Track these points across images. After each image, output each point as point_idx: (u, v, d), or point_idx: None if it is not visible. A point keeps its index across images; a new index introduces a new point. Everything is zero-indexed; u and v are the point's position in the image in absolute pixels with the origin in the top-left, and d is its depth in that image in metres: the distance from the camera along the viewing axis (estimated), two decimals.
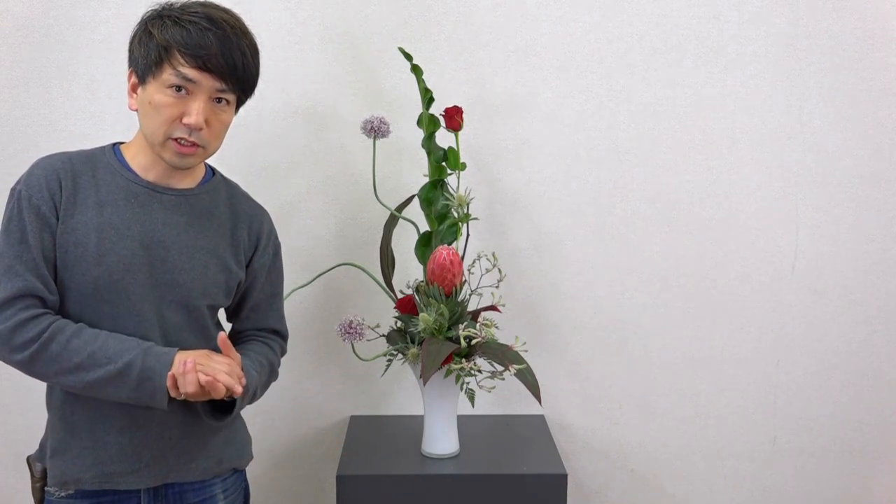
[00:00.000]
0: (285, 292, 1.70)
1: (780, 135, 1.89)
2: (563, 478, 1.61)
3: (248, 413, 1.58)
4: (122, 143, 1.39)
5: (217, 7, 1.33)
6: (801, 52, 1.86)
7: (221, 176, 1.47)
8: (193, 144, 1.31)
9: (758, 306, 1.94)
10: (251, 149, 1.82)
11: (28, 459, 1.40)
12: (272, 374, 1.50)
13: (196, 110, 1.29)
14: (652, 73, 1.86)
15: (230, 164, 1.67)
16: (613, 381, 1.95)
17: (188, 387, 1.25)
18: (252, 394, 1.40)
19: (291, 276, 1.81)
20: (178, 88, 1.28)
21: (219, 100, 1.32)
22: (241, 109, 1.41)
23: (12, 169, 1.33)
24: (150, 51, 1.28)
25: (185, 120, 1.29)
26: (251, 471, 1.59)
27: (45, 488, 1.36)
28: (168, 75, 1.27)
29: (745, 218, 1.91)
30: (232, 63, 1.30)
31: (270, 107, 1.80)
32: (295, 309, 1.84)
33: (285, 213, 1.86)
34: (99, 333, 1.27)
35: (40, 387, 1.38)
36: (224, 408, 1.39)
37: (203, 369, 1.26)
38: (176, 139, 1.30)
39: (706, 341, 1.95)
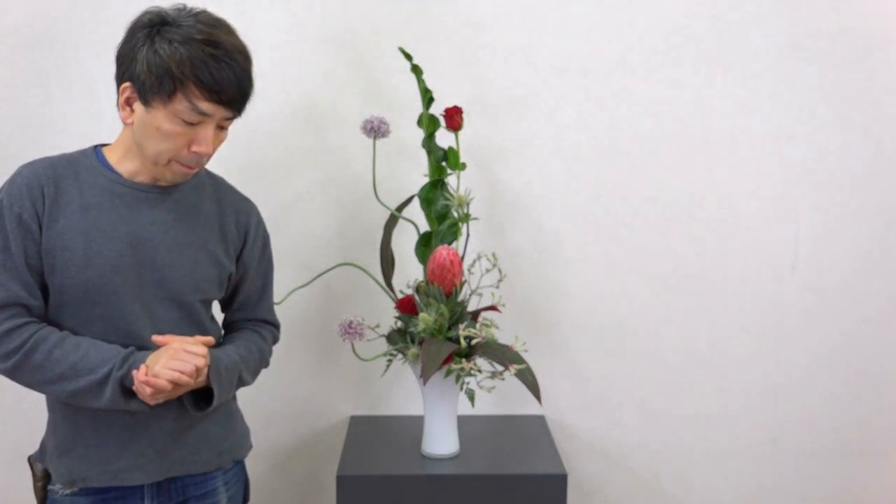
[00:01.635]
0: (285, 292, 1.71)
1: (780, 135, 1.89)
2: (563, 478, 1.61)
3: (248, 413, 1.58)
4: (103, 144, 1.37)
5: (220, 23, 1.29)
6: (801, 52, 1.86)
7: (205, 170, 1.47)
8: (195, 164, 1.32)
9: (758, 306, 1.94)
10: (251, 149, 1.82)
11: (29, 459, 1.41)
12: (262, 361, 1.50)
13: (207, 140, 1.29)
14: (652, 73, 1.86)
15: (230, 164, 1.67)
16: (613, 381, 1.95)
17: (148, 399, 1.26)
18: (238, 378, 1.40)
19: (291, 276, 1.81)
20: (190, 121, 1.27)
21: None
22: None
23: (12, 169, 1.32)
24: (161, 78, 1.23)
25: (196, 149, 1.28)
26: (251, 470, 1.59)
27: (48, 487, 1.37)
28: (182, 107, 1.24)
29: (745, 218, 1.91)
30: (243, 93, 1.30)
31: (270, 107, 1.80)
32: (295, 309, 1.84)
33: (285, 213, 1.86)
34: (80, 342, 1.27)
35: None
36: (209, 396, 1.38)
37: (148, 379, 1.24)
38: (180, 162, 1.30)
39: (706, 341, 1.94)
